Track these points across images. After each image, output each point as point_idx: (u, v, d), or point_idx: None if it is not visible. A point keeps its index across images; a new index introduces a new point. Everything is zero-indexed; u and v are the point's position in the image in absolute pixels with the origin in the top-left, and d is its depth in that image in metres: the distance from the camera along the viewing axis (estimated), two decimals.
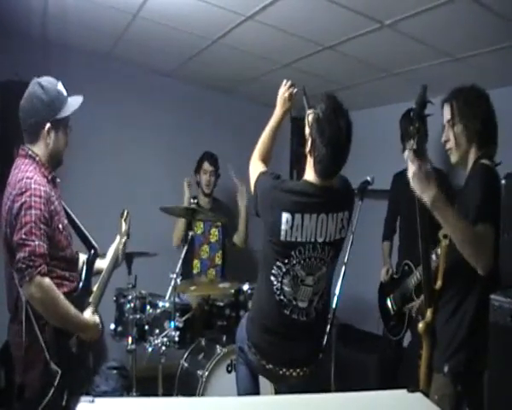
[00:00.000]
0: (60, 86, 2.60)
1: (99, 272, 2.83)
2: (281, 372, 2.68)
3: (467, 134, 2.38)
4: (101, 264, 2.88)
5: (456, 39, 3.35)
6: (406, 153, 2.17)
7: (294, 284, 2.60)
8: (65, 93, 2.62)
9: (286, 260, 2.58)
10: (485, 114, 2.37)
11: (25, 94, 2.54)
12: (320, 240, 2.57)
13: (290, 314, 2.64)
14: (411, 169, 2.14)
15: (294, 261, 2.57)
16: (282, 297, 2.62)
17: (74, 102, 2.64)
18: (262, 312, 2.74)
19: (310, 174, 2.60)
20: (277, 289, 2.62)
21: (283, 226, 2.52)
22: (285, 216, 2.51)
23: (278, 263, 2.59)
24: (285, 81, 2.92)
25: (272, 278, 2.62)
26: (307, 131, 2.57)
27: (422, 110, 2.15)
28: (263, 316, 2.73)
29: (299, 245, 2.55)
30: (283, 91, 2.92)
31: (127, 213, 3.18)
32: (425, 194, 2.12)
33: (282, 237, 2.53)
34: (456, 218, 2.15)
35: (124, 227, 3.13)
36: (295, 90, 2.90)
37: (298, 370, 2.68)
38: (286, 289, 2.61)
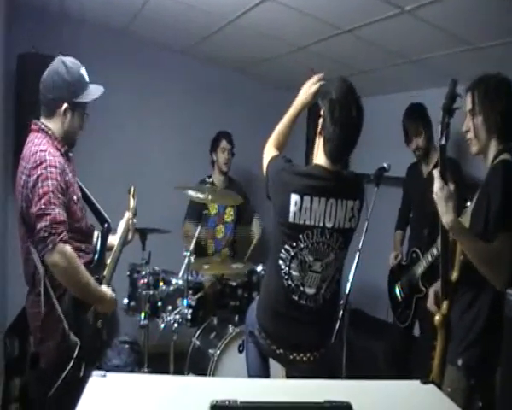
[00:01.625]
0: (83, 70, 2.62)
1: (110, 248, 2.85)
2: (291, 357, 2.69)
3: (486, 126, 2.33)
4: (112, 240, 2.91)
5: (477, 28, 3.29)
6: (434, 170, 2.20)
7: (302, 268, 2.61)
8: (87, 78, 2.64)
9: (294, 244, 2.58)
10: (506, 106, 2.30)
11: (48, 68, 2.56)
12: (329, 225, 2.57)
13: (298, 300, 2.65)
14: (436, 185, 2.18)
15: (302, 245, 2.58)
16: (289, 282, 2.63)
17: (95, 91, 2.66)
18: (270, 296, 2.76)
19: (320, 158, 2.60)
20: (285, 273, 2.63)
21: (292, 208, 2.53)
22: (294, 198, 2.52)
23: (286, 246, 2.60)
24: (315, 76, 2.83)
25: (280, 261, 2.63)
26: (321, 114, 2.58)
27: (452, 104, 2.14)
28: (271, 300, 2.74)
29: (308, 229, 2.56)
30: (310, 85, 2.83)
31: (134, 189, 3.21)
32: (443, 216, 2.17)
33: (291, 219, 2.54)
34: (473, 241, 2.17)
35: (131, 204, 3.16)
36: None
37: (308, 354, 2.69)
38: (293, 273, 2.62)
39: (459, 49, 3.58)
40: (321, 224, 2.56)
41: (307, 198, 2.52)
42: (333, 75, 2.65)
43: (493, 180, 2.26)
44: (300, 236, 2.57)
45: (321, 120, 2.56)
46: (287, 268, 2.62)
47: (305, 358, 2.69)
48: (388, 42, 3.87)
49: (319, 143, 2.60)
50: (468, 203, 2.47)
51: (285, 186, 2.56)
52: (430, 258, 3.55)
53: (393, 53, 4.04)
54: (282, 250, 2.62)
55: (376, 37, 3.79)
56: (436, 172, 2.19)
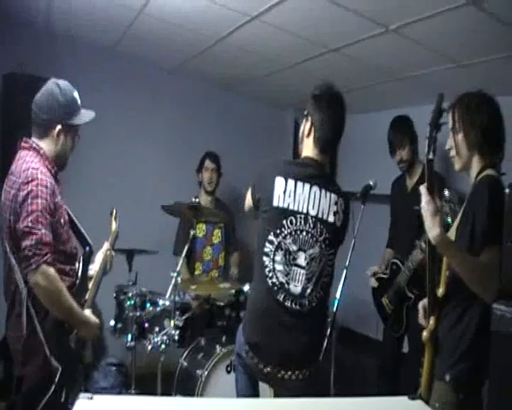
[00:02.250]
0: (76, 94, 2.66)
1: (89, 277, 2.81)
2: (279, 375, 2.66)
3: (467, 143, 2.35)
4: (90, 270, 2.85)
5: (461, 46, 3.35)
6: (421, 187, 2.21)
7: (286, 261, 2.63)
8: (79, 102, 2.67)
9: (278, 231, 2.62)
10: (487, 122, 2.31)
11: (42, 90, 2.58)
12: (312, 213, 2.64)
13: (283, 301, 2.64)
14: (423, 200, 2.18)
15: (286, 232, 2.62)
16: (274, 280, 2.64)
17: (87, 115, 2.70)
18: (255, 302, 2.76)
19: (308, 149, 2.75)
20: (269, 271, 2.64)
21: (276, 191, 2.63)
22: (278, 181, 2.63)
23: (270, 237, 2.64)
24: None
25: (265, 258, 2.65)
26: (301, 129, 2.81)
27: (439, 119, 2.15)
28: (256, 306, 2.74)
29: (291, 214, 2.63)
30: None
31: (116, 211, 3.21)
32: (430, 231, 2.16)
33: (275, 203, 2.63)
34: (461, 257, 2.18)
35: (114, 226, 3.15)
36: None
37: (297, 372, 2.66)
38: (278, 268, 2.63)
39: (444, 66, 3.64)
40: (304, 210, 2.63)
41: (291, 182, 2.64)
42: None
43: (478, 195, 2.26)
44: (284, 222, 2.63)
45: (308, 122, 2.74)
46: (271, 263, 2.64)
47: (293, 376, 2.66)
48: (374, 60, 3.92)
49: (305, 142, 2.77)
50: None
51: (270, 174, 2.69)
52: (411, 265, 3.56)
53: (379, 71, 4.10)
54: (266, 243, 2.65)
55: (363, 55, 3.84)
56: (423, 188, 2.19)
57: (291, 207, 2.62)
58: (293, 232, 2.62)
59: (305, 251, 2.64)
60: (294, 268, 2.64)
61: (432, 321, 2.33)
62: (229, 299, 4.14)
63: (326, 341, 2.80)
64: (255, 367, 2.71)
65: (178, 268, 3.97)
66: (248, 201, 2.84)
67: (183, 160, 5.35)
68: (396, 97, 4.60)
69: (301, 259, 2.64)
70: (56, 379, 2.38)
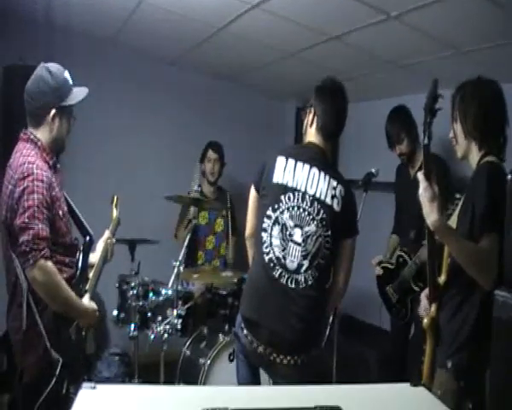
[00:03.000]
0: (66, 74, 2.61)
1: (90, 266, 2.82)
2: (271, 358, 2.69)
3: (464, 131, 2.36)
4: (92, 258, 2.86)
5: (462, 33, 3.33)
6: (418, 173, 2.20)
7: (283, 236, 2.70)
8: (71, 81, 2.63)
9: (276, 206, 2.72)
10: (483, 109, 2.31)
11: (31, 77, 2.55)
12: (310, 192, 2.70)
13: (279, 278, 2.68)
14: (420, 186, 2.17)
15: (283, 207, 2.70)
16: (271, 256, 2.70)
17: (80, 92, 2.65)
18: (252, 278, 2.86)
19: (310, 137, 2.85)
20: (267, 246, 2.72)
21: (277, 169, 2.74)
22: (280, 159, 2.76)
23: (268, 212, 2.73)
24: None
25: (263, 234, 2.74)
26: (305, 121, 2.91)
27: (434, 104, 2.14)
28: (252, 283, 2.83)
29: (289, 191, 2.71)
30: None
31: (117, 198, 3.20)
32: (428, 217, 2.15)
33: (275, 179, 2.74)
34: (459, 241, 2.18)
35: (114, 213, 3.14)
36: None
37: (288, 357, 2.68)
38: (275, 242, 2.71)
39: (446, 53, 3.61)
40: (302, 189, 2.71)
41: (292, 161, 2.74)
42: None
43: (478, 182, 2.25)
44: (282, 197, 2.71)
45: (311, 113, 2.84)
46: (268, 238, 2.73)
47: (285, 360, 2.68)
48: (376, 48, 3.90)
49: (308, 131, 2.86)
50: (457, 195, 2.50)
51: (271, 158, 2.80)
52: (418, 261, 3.56)
53: (381, 59, 4.07)
54: (264, 219, 2.75)
55: (364, 43, 3.82)
56: (420, 174, 2.19)
57: (289, 184, 2.71)
58: (291, 208, 2.70)
59: (301, 228, 2.70)
60: (291, 244, 2.70)
61: (433, 309, 2.34)
62: (232, 288, 4.15)
63: (328, 329, 2.81)
64: (249, 347, 2.75)
65: (180, 257, 3.98)
66: (250, 194, 2.92)
67: (184, 149, 5.34)
68: (397, 85, 4.57)
69: (297, 235, 2.70)
70: (57, 371, 2.39)
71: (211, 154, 4.98)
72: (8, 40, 4.32)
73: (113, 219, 3.12)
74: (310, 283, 2.70)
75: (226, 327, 4.02)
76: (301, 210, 2.69)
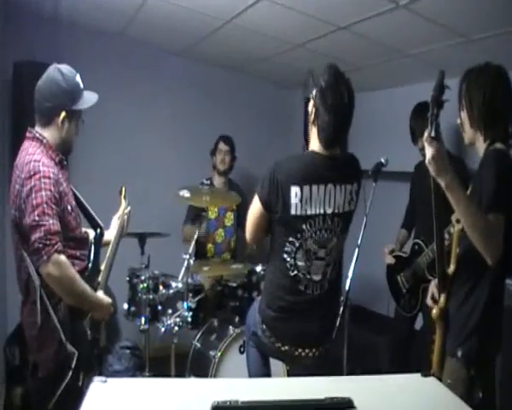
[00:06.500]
0: (78, 78, 2.62)
1: (106, 243, 2.86)
2: (296, 353, 2.71)
3: (469, 118, 2.34)
4: (107, 235, 2.90)
5: (471, 20, 3.30)
6: (424, 137, 2.15)
7: (308, 258, 2.65)
8: (82, 85, 2.64)
9: (298, 235, 2.62)
10: (488, 96, 2.27)
11: (43, 77, 2.55)
12: (329, 211, 2.62)
13: (305, 290, 2.68)
14: (429, 152, 2.11)
15: (306, 235, 2.62)
16: (296, 272, 2.66)
17: (90, 97, 2.66)
18: (276, 291, 2.75)
19: (314, 145, 2.66)
20: (291, 265, 2.66)
21: (293, 200, 2.57)
22: (294, 190, 2.57)
23: (291, 239, 2.63)
24: None
25: (285, 255, 2.66)
26: (311, 104, 2.67)
27: (440, 96, 2.13)
28: (278, 296, 2.74)
29: (310, 218, 2.60)
30: None
31: (125, 190, 3.19)
32: (441, 176, 2.11)
33: (293, 212, 2.58)
34: (469, 203, 2.13)
35: (123, 204, 3.14)
36: None
37: (314, 350, 2.72)
38: (299, 264, 2.65)
39: (454, 41, 3.58)
40: (322, 211, 2.61)
41: (306, 188, 2.57)
42: None
43: (486, 167, 2.24)
44: (304, 226, 2.61)
45: (313, 110, 2.62)
46: (292, 260, 2.66)
47: (310, 354, 2.72)
48: (384, 37, 3.87)
49: (313, 131, 2.67)
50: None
51: (283, 184, 2.58)
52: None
53: (389, 48, 4.04)
54: (287, 244, 2.64)
55: (372, 32, 3.79)
56: (428, 139, 2.12)
57: (309, 212, 2.59)
58: (313, 234, 2.63)
59: (325, 247, 2.67)
60: (315, 261, 2.67)
61: (442, 299, 2.34)
62: (242, 280, 4.17)
63: (339, 320, 2.81)
64: (272, 346, 2.75)
65: (190, 250, 3.99)
66: (256, 208, 2.72)
67: (194, 142, 5.37)
68: (407, 74, 4.54)
69: (321, 253, 2.67)
70: (73, 364, 2.40)
71: (222, 145, 4.99)
72: (16, 37, 4.33)
73: (122, 210, 3.11)
74: (333, 284, 2.75)
75: (236, 319, 4.04)
76: (323, 231, 2.64)
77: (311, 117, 2.65)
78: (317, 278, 2.69)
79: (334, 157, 2.65)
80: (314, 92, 2.62)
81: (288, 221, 2.61)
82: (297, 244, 2.63)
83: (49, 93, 2.51)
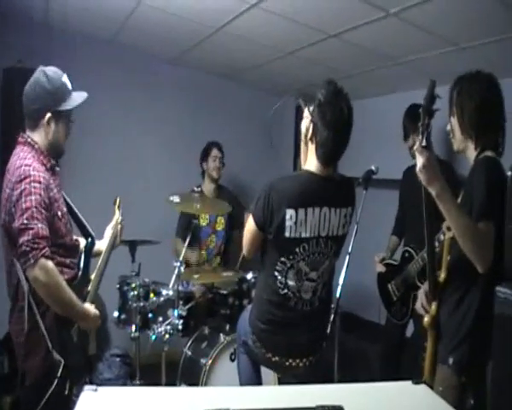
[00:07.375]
0: (65, 78, 2.60)
1: (98, 253, 2.84)
2: (287, 363, 2.71)
3: (460, 125, 2.35)
4: (100, 245, 2.89)
5: (462, 28, 3.32)
6: (415, 147, 2.16)
7: (298, 279, 2.63)
8: (69, 86, 2.62)
9: (291, 256, 2.60)
10: (479, 104, 2.28)
11: (29, 80, 2.54)
12: (323, 234, 2.59)
13: (295, 306, 2.67)
14: (419, 161, 2.13)
15: (299, 258, 2.60)
16: (286, 291, 2.65)
17: (78, 97, 2.63)
18: (266, 306, 2.74)
19: (311, 163, 2.60)
20: (281, 283, 2.64)
21: (288, 223, 2.53)
22: (289, 213, 2.52)
23: (283, 259, 2.61)
24: None
25: (276, 273, 2.64)
26: (306, 121, 2.60)
27: (431, 105, 2.13)
28: (267, 310, 2.73)
29: (304, 241, 2.57)
30: None
31: (119, 200, 3.19)
32: (431, 185, 2.13)
33: (287, 234, 2.54)
34: (460, 212, 2.14)
35: (117, 215, 3.13)
36: None
37: (304, 360, 2.71)
38: (290, 283, 2.64)
39: (445, 49, 3.60)
40: (316, 234, 2.58)
41: (302, 211, 2.53)
42: (321, 79, 2.63)
43: (477, 174, 2.25)
44: (297, 249, 2.58)
45: (310, 126, 2.55)
46: (283, 279, 2.64)
47: (300, 364, 2.71)
48: (375, 45, 3.88)
49: (310, 148, 2.60)
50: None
51: (278, 205, 2.53)
52: (425, 256, 3.55)
53: (380, 56, 4.06)
54: (278, 263, 2.62)
55: (362, 40, 3.81)
56: (418, 148, 2.14)
57: (303, 235, 2.56)
58: (306, 257, 2.61)
59: (317, 270, 2.66)
60: (306, 282, 2.66)
61: (433, 306, 2.35)
62: (233, 287, 4.16)
63: (329, 327, 2.82)
64: (262, 356, 2.75)
65: (181, 258, 3.98)
66: (250, 227, 2.68)
67: (185, 149, 5.35)
68: (398, 82, 4.57)
69: (313, 275, 2.66)
70: (59, 373, 2.38)
71: (216, 152, 4.97)
72: (7, 42, 4.31)
73: (116, 221, 3.10)
74: (323, 300, 2.74)
75: (227, 327, 4.04)
76: (316, 255, 2.62)
77: (308, 133, 2.57)
78: (307, 296, 2.68)
79: (331, 178, 2.62)
80: (311, 108, 2.55)
81: (281, 242, 2.58)
82: (288, 265, 2.61)
83: (34, 95, 2.51)
